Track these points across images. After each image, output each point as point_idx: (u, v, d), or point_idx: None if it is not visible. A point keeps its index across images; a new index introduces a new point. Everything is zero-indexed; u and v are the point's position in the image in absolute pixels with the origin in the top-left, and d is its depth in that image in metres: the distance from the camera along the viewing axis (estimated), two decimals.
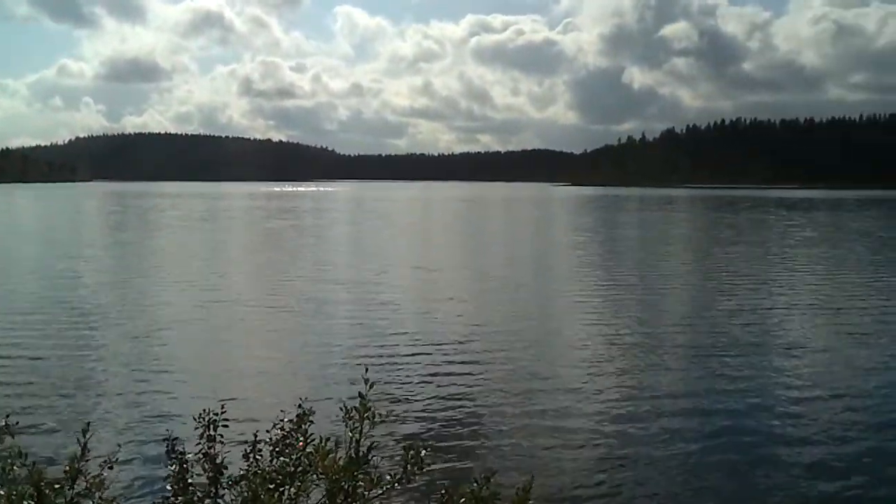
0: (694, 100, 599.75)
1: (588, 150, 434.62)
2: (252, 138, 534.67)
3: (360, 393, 4.24)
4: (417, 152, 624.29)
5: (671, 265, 38.15)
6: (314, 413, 4.54)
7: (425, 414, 13.59)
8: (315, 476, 4.20)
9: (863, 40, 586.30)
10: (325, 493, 4.19)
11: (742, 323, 22.22)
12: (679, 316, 23.65)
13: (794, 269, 36.40)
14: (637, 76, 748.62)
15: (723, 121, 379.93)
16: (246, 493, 4.13)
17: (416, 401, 14.30)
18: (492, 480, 4.37)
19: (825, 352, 18.89)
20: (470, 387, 15.27)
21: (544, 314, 24.06)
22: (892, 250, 47.92)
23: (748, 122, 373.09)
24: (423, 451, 4.43)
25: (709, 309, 24.69)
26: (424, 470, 4.50)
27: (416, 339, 19.52)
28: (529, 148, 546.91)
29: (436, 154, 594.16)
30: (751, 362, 17.56)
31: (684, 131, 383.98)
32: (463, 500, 4.27)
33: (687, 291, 29.07)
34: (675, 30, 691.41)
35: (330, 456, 4.18)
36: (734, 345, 19.26)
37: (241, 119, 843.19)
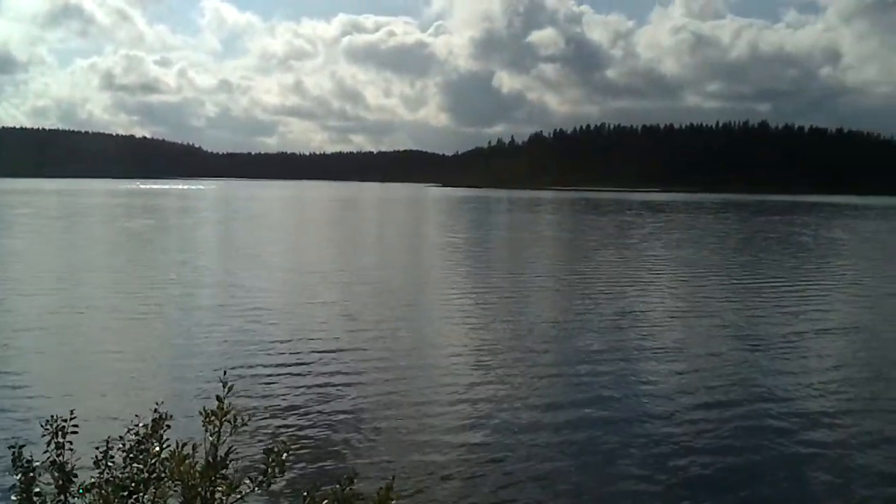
0: (561, 105, 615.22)
1: (459, 152, 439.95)
2: (114, 134, 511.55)
3: (217, 396, 4.16)
4: (289, 151, 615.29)
5: (541, 266, 38.96)
6: (171, 417, 4.42)
7: (289, 417, 13.43)
8: (171, 482, 4.09)
9: (718, 51, 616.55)
10: (181, 499, 4.08)
11: (610, 323, 22.96)
12: (548, 317, 24.12)
13: (659, 269, 38.03)
14: (506, 80, 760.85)
15: (588, 126, 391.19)
16: (98, 502, 3.98)
17: (279, 404, 14.08)
18: (354, 481, 4.38)
19: (685, 350, 19.71)
20: (335, 389, 15.15)
21: (415, 316, 24.05)
22: (750, 251, 50.38)
23: (612, 127, 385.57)
24: (285, 454, 4.39)
25: (578, 309, 25.40)
26: (286, 473, 4.46)
27: (282, 343, 19.18)
28: (402, 149, 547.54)
29: (307, 153, 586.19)
30: (616, 361, 18.13)
31: (552, 135, 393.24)
32: (325, 501, 4.25)
33: (557, 292, 29.72)
34: (543, 36, 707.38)
35: (187, 461, 4.08)
36: (601, 343, 19.92)
37: (102, 114, 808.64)
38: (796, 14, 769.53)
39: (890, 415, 14.43)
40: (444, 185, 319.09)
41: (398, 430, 12.96)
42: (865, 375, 17.32)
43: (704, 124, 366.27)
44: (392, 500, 4.22)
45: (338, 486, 4.30)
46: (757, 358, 18.67)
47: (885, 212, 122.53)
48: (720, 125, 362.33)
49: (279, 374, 16.17)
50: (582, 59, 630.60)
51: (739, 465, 11.72)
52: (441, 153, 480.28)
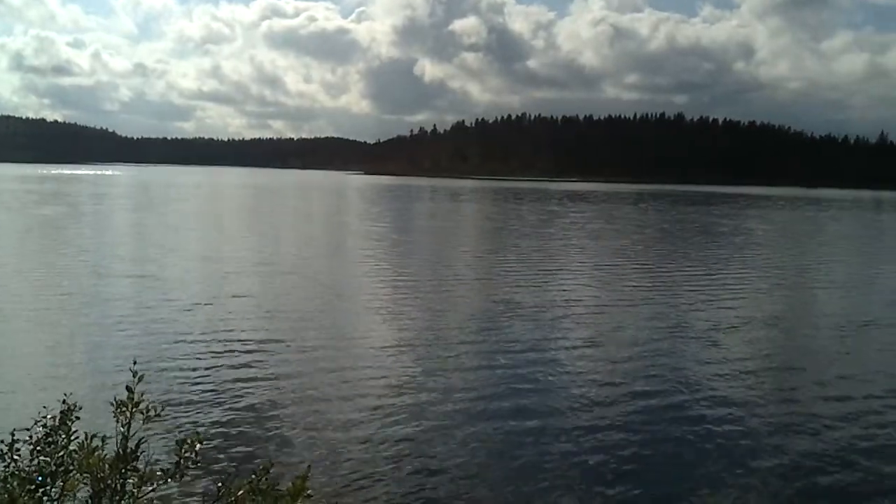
0: (483, 94, 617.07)
1: (381, 140, 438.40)
2: (24, 117, 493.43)
3: (127, 386, 4.07)
4: (206, 136, 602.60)
5: (466, 256, 39.22)
6: (81, 409, 4.31)
7: (205, 408, 13.25)
8: (80, 475, 4.00)
9: (636, 43, 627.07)
10: (91, 492, 4.00)
11: (534, 313, 23.23)
12: (473, 307, 24.27)
13: (583, 258, 38.72)
14: (429, 68, 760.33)
15: (510, 115, 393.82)
16: (3, 496, 3.86)
17: (195, 396, 13.88)
18: (270, 471, 4.34)
19: (609, 340, 20.09)
20: (253, 381, 14.98)
21: (337, 308, 23.84)
22: (672, 240, 51.63)
23: (533, 117, 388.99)
24: (198, 445, 4.32)
25: (503, 299, 25.56)
26: (199, 464, 4.39)
27: (198, 334, 18.84)
28: (323, 136, 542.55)
29: (225, 139, 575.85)
30: (539, 351, 18.45)
31: (474, 124, 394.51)
32: (241, 492, 4.21)
33: (481, 283, 29.79)
34: (465, 25, 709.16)
35: (96, 453, 3.99)
36: (524, 333, 20.18)
37: (11, 96, 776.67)
38: (712, 9, 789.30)
39: (804, 403, 14.94)
40: (365, 173, 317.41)
41: (317, 421, 12.90)
42: (781, 363, 17.95)
43: (623, 115, 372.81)
44: (307, 489, 4.21)
45: (254, 476, 4.27)
46: (678, 347, 19.15)
47: (795, 203, 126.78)
48: (638, 117, 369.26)
49: (195, 366, 15.90)
50: (504, 49, 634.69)
51: (660, 454, 12.01)
52: (363, 140, 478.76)
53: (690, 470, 11.38)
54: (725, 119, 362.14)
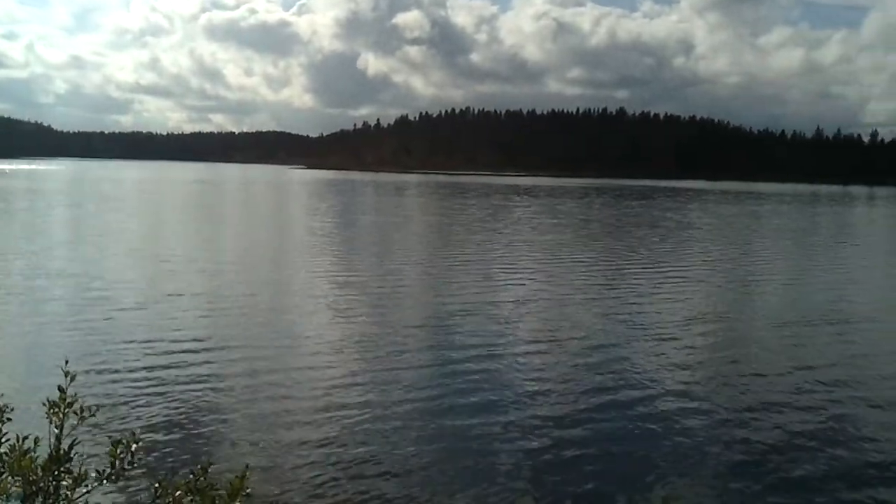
0: (426, 87, 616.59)
1: (324, 134, 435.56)
2: None
3: (59, 386, 3.98)
4: (144, 130, 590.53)
5: (414, 252, 39.25)
6: (12, 410, 4.20)
7: (142, 409, 13.02)
8: (11, 477, 3.89)
9: (578, 38, 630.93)
10: (22, 495, 3.90)
11: (481, 309, 23.30)
12: (419, 305, 24.31)
13: (533, 253, 39.09)
14: (372, 62, 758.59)
15: (454, 109, 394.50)
16: None
17: (132, 396, 13.61)
18: (209, 471, 4.28)
19: (558, 335, 20.22)
20: (192, 381, 14.75)
21: (280, 306, 23.47)
22: (620, 234, 52.21)
23: (477, 111, 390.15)
24: (134, 445, 4.24)
25: (451, 295, 25.70)
26: (136, 465, 4.31)
27: (136, 334, 18.49)
28: (265, 129, 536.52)
29: (164, 133, 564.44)
30: (485, 347, 18.50)
31: (417, 118, 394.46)
32: (179, 492, 4.15)
33: (428, 280, 29.87)
34: (408, 18, 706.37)
35: (28, 455, 3.89)
36: (471, 330, 20.21)
37: None
38: (652, 4, 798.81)
39: (752, 395, 15.19)
40: (308, 168, 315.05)
41: (258, 421, 12.77)
42: (728, 356, 18.21)
43: (566, 110, 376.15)
44: (246, 489, 4.15)
45: (191, 476, 4.20)
46: (627, 342, 19.37)
47: (738, 197, 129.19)
48: (580, 111, 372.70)
49: (133, 366, 15.59)
50: (447, 43, 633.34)
51: (609, 449, 12.11)
52: (305, 135, 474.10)
53: (638, 462, 11.50)
54: (666, 114, 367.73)
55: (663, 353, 18.05)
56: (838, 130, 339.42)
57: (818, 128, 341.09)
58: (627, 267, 33.79)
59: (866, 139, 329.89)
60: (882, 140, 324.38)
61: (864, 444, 12.40)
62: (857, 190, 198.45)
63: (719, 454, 11.85)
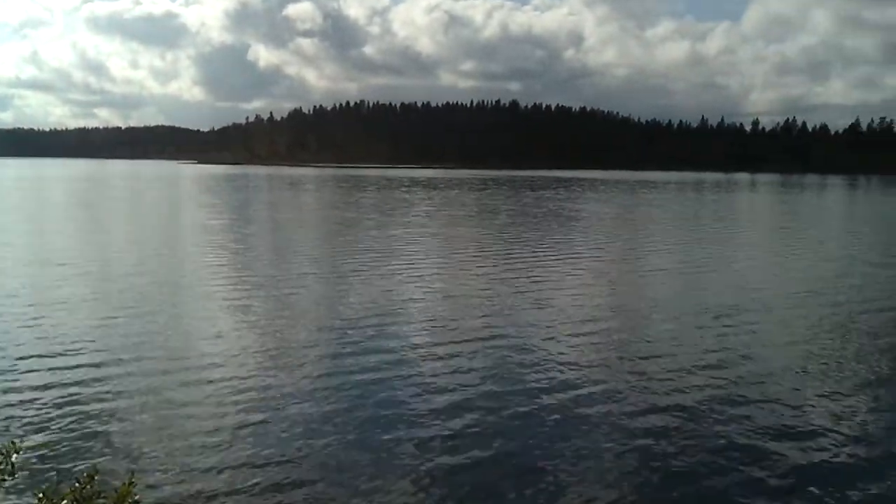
0: (319, 80, 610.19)
1: (215, 128, 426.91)
2: None
3: None
4: (25, 127, 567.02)
5: (315, 249, 38.33)
6: None
7: (25, 418, 12.16)
8: None
9: (471, 30, 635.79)
10: None
11: (385, 305, 22.76)
12: (319, 303, 23.36)
13: (442, 246, 38.56)
14: (263, 54, 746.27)
15: (348, 102, 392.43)
16: None
17: (15, 406, 12.72)
18: (95, 479, 4.03)
19: (459, 330, 19.77)
20: (78, 388, 13.88)
21: (171, 308, 21.96)
22: (526, 225, 52.29)
23: (371, 104, 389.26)
24: (15, 455, 3.92)
25: (352, 292, 24.90)
26: (18, 475, 3.98)
27: (20, 339, 17.33)
28: (153, 124, 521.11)
29: (47, 129, 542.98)
30: (384, 344, 17.95)
31: (311, 111, 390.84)
32: (64, 501, 3.84)
33: (332, 277, 28.64)
34: (299, 10, 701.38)
35: None
36: (374, 329, 19.55)
37: None
38: None
39: (651, 386, 15.09)
40: (199, 163, 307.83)
41: (146, 428, 12.12)
42: (631, 348, 18.17)
43: (460, 102, 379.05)
44: (135, 495, 3.85)
45: (77, 484, 3.86)
46: (533, 333, 19.12)
47: (631, 186, 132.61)
48: (474, 104, 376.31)
49: (14, 374, 14.52)
50: (339, 35, 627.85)
51: (509, 444, 11.93)
52: (196, 129, 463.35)
53: (533, 457, 11.30)
54: (558, 105, 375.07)
55: (568, 344, 17.94)
56: (722, 119, 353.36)
57: (703, 117, 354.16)
58: (536, 259, 33.50)
59: (748, 128, 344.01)
60: (763, 128, 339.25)
61: (747, 427, 12.61)
62: (740, 177, 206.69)
63: (610, 444, 11.93)
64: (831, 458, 11.61)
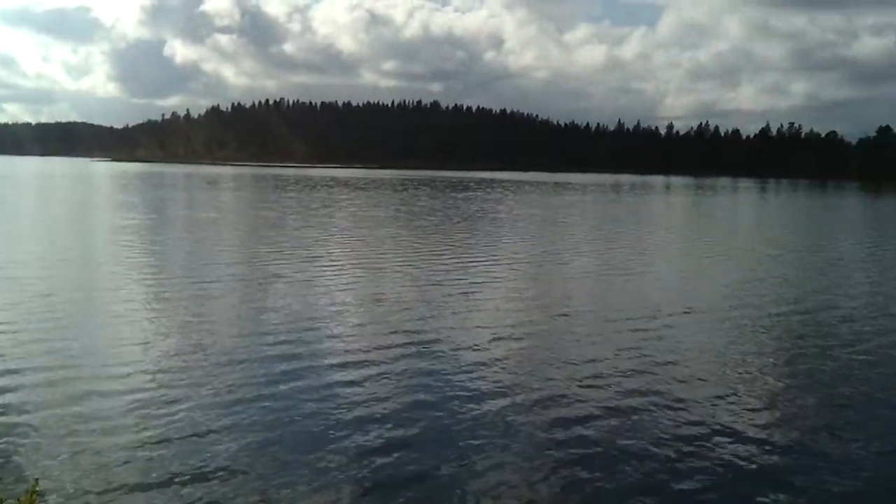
0: (238, 77, 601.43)
1: (130, 125, 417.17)
2: None
3: None
4: None
5: (237, 249, 37.51)
6: None
7: None
8: None
9: (392, 30, 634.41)
10: None
11: (304, 308, 22.47)
12: (232, 305, 22.85)
13: (366, 247, 38.32)
14: (180, 50, 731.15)
15: (267, 100, 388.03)
16: None
17: None
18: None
19: (368, 334, 19.68)
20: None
21: (80, 311, 21.30)
22: (454, 226, 52.21)
23: (291, 102, 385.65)
24: None
25: (272, 293, 24.46)
26: None
27: None
28: (65, 120, 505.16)
29: None
30: (299, 345, 17.77)
31: (230, 109, 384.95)
32: None
33: (250, 278, 28.05)
34: (217, 6, 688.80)
35: None
36: (289, 334, 19.18)
37: None
38: None
39: (561, 385, 15.26)
40: (113, 160, 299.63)
41: (53, 433, 11.74)
42: (547, 351, 18.26)
43: (381, 102, 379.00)
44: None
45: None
46: (449, 337, 19.09)
47: (553, 187, 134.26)
48: (395, 104, 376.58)
49: None
50: (259, 32, 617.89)
51: (424, 443, 11.79)
52: (110, 126, 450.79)
53: (457, 464, 11.15)
54: (479, 106, 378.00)
55: (486, 350, 17.86)
56: (638, 123, 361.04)
57: (619, 121, 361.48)
58: (462, 262, 33.38)
59: (663, 132, 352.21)
60: (677, 132, 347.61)
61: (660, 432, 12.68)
62: (655, 179, 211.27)
63: (529, 448, 11.94)
64: (743, 459, 11.83)
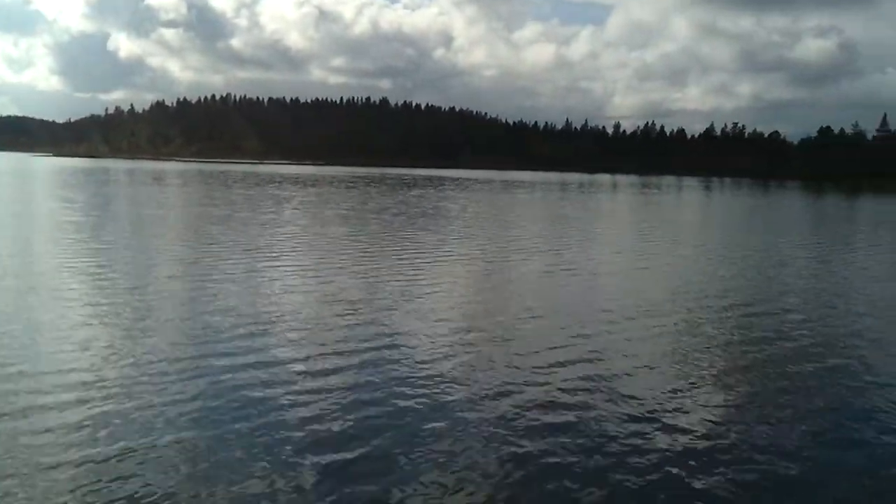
0: (184, 72, 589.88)
1: (73, 120, 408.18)
2: None
3: None
4: None
5: (183, 247, 36.87)
6: None
7: None
8: None
9: (341, 27, 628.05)
10: None
11: (253, 309, 22.45)
12: (177, 303, 22.58)
13: (319, 244, 38.07)
14: (124, 44, 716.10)
15: (214, 95, 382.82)
16: None
17: None
18: None
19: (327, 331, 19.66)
20: None
21: (19, 312, 20.57)
22: (409, 223, 52.07)
23: (238, 98, 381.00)
24: None
25: (228, 294, 24.22)
26: None
27: None
28: (4, 114, 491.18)
29: None
30: (249, 346, 17.71)
31: (175, 104, 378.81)
32: None
33: (202, 276, 27.65)
34: (163, 0, 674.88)
35: None
36: (240, 331, 19.15)
37: None
38: None
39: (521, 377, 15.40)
40: (55, 155, 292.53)
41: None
42: (500, 347, 18.47)
43: (329, 98, 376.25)
44: None
45: None
46: (403, 334, 19.17)
47: (502, 185, 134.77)
48: (344, 100, 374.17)
49: None
50: (205, 27, 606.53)
51: (378, 441, 11.86)
52: (52, 120, 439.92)
53: (412, 461, 11.18)
54: (428, 104, 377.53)
55: (438, 348, 17.85)
56: (585, 122, 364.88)
57: (567, 119, 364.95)
58: (413, 259, 33.33)
59: (610, 131, 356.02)
60: (624, 131, 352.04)
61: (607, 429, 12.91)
62: (602, 178, 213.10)
63: (482, 445, 11.98)
64: (687, 449, 12.16)
